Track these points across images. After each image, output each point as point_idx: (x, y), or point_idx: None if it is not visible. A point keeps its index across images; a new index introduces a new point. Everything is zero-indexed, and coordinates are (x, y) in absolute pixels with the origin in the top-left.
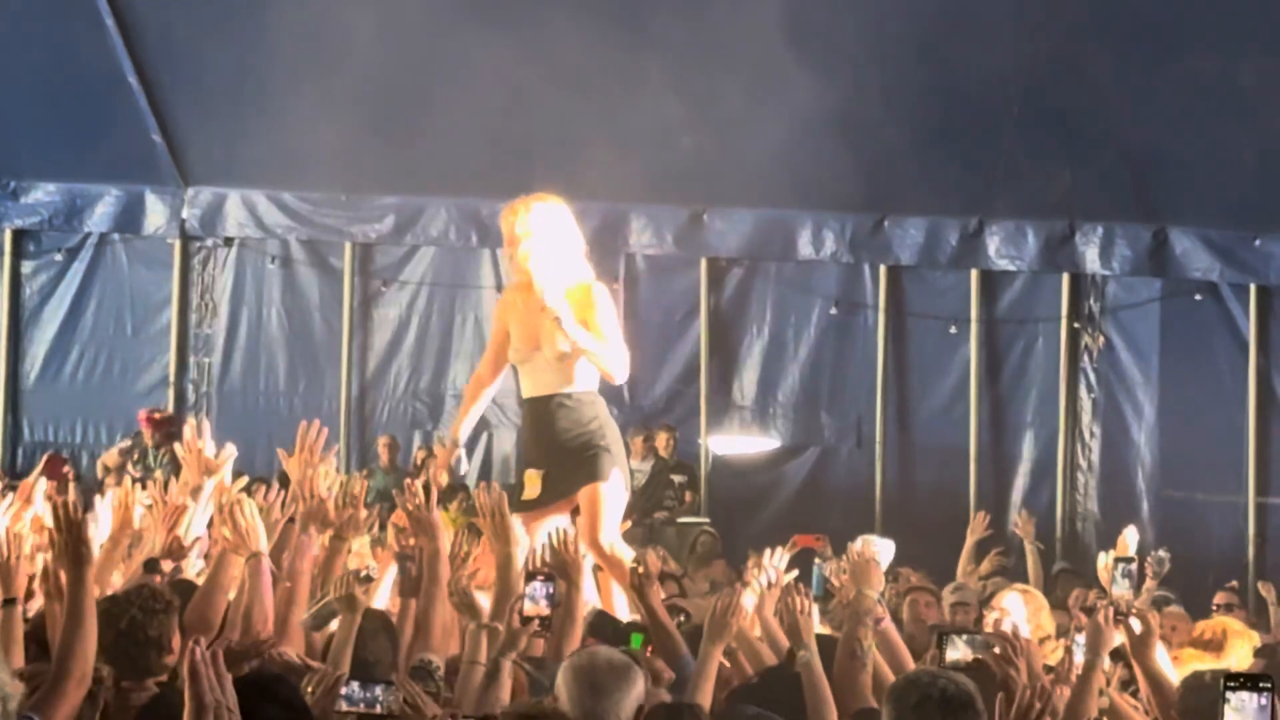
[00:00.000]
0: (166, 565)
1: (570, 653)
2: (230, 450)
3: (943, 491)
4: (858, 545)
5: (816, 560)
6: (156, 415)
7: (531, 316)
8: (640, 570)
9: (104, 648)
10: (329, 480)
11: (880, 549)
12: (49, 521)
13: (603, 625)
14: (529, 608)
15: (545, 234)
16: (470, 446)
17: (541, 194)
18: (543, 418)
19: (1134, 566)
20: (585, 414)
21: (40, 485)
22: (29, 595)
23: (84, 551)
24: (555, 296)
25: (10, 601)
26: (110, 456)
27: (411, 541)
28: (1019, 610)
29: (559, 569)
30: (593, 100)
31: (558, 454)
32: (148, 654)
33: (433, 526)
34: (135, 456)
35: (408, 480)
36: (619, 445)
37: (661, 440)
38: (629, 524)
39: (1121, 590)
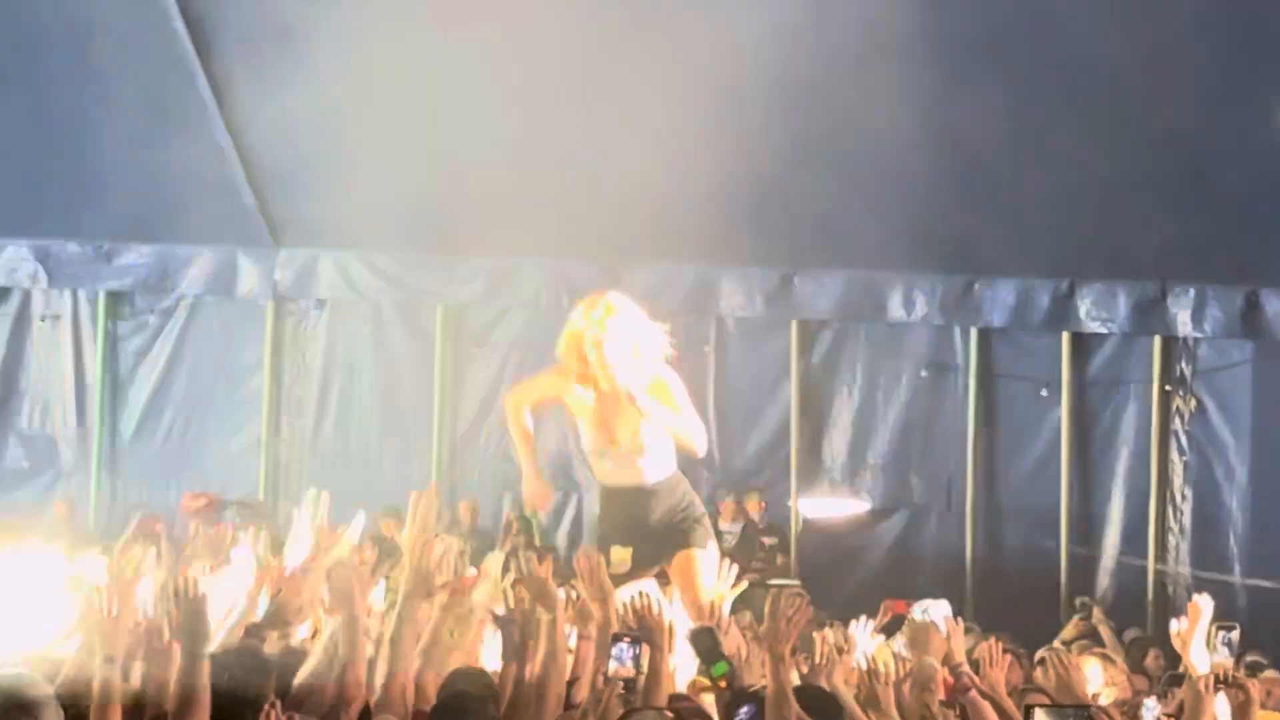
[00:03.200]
0: (271, 634)
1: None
2: (359, 520)
3: (1033, 554)
4: (916, 612)
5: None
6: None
7: (605, 412)
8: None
9: None
10: (442, 549)
11: (936, 612)
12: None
13: (701, 639)
14: (614, 669)
15: (626, 336)
16: (560, 508)
17: (612, 294)
18: (630, 505)
19: (1235, 635)
20: (673, 497)
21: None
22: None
23: (201, 629)
24: (644, 398)
25: (109, 659)
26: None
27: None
28: (1098, 678)
29: (644, 633)
30: (682, 161)
31: (648, 535)
32: (243, 713)
33: (552, 597)
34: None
35: (530, 553)
36: (706, 516)
37: (752, 503)
38: (744, 584)
39: (1221, 658)
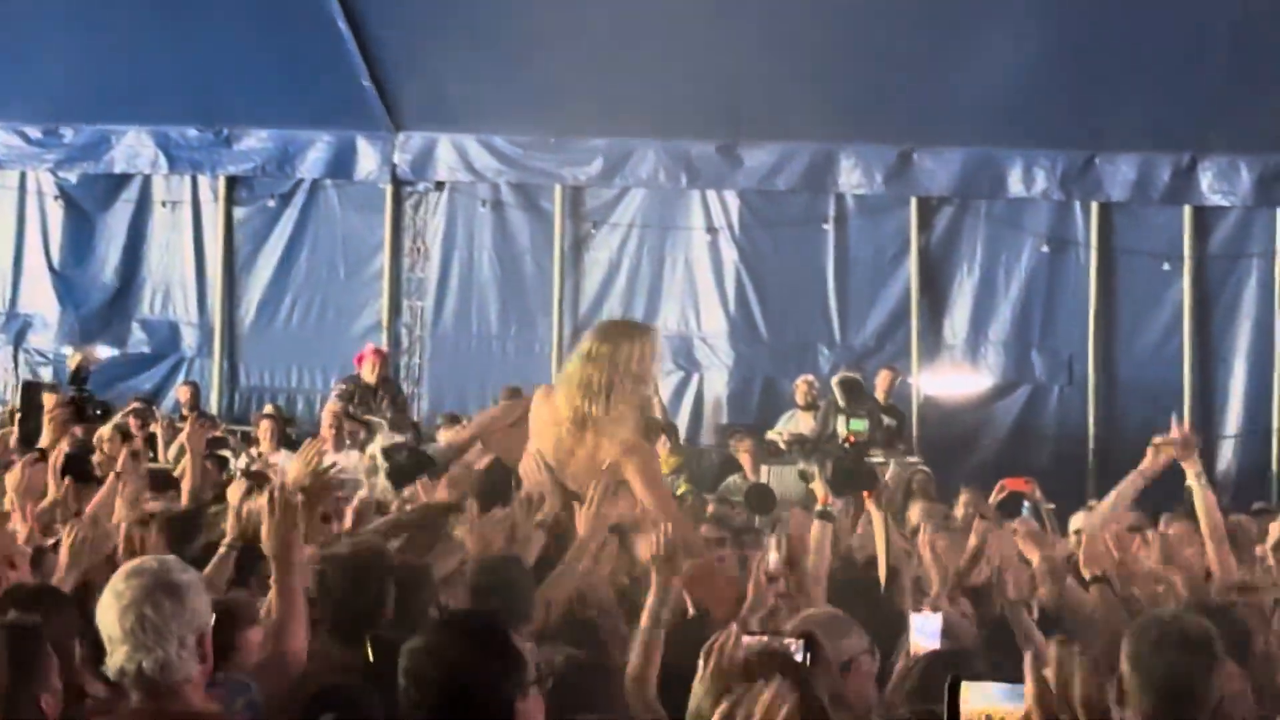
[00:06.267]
0: None
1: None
2: None
3: (1154, 430)
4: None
5: (1025, 504)
6: (384, 348)
7: None
8: None
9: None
10: None
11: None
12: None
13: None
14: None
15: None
16: (681, 387)
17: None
18: None
19: None
20: None
21: None
22: None
23: (292, 538)
24: None
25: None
26: (330, 408)
27: None
28: None
29: None
30: (799, 39)
31: None
32: None
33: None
34: (355, 400)
35: None
36: None
37: (883, 380)
38: None
39: None
